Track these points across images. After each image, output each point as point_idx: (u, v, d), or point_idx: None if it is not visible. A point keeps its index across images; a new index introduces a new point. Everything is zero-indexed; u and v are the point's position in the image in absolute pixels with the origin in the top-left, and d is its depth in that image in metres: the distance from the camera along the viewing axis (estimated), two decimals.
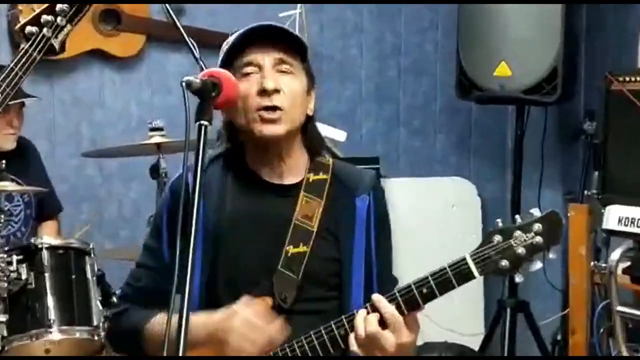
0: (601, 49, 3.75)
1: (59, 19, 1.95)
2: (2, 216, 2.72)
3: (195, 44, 2.74)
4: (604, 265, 2.71)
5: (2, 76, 1.94)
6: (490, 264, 1.63)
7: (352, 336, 1.64)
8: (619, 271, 2.67)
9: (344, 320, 1.68)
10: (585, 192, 3.06)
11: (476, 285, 3.92)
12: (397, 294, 1.64)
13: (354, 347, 1.65)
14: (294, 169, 1.87)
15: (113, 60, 3.69)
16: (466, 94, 3.62)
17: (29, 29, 1.95)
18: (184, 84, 1.51)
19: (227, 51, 1.79)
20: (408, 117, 4.25)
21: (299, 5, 3.52)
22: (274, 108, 1.75)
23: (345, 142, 3.25)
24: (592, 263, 2.85)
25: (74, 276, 2.77)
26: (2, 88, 1.94)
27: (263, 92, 1.74)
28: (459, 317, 3.85)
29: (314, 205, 1.84)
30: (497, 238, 1.63)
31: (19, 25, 1.98)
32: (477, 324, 4.04)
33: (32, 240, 2.80)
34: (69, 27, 1.97)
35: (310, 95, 1.85)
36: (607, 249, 2.79)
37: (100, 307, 2.76)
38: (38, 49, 1.96)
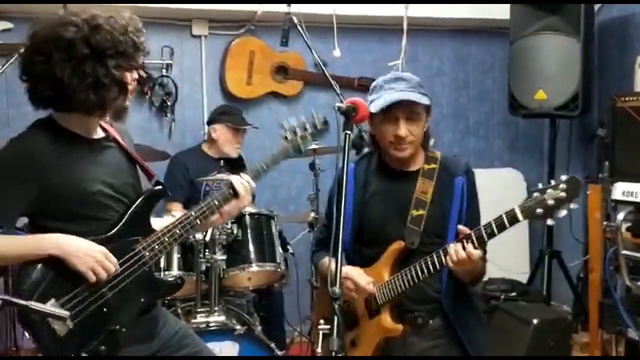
0: (608, 79, 4.10)
1: (308, 135, 2.15)
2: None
3: (337, 84, 3.30)
4: (612, 224, 2.98)
5: (275, 154, 2.13)
6: (529, 211, 1.70)
7: (448, 258, 1.79)
8: (624, 229, 2.91)
9: (440, 252, 1.84)
10: (599, 175, 3.29)
11: (523, 239, 4.49)
12: (473, 233, 1.77)
13: (450, 264, 1.78)
14: (414, 161, 2.05)
15: (283, 98, 4.22)
16: (515, 112, 4.00)
17: (287, 136, 2.13)
18: (336, 107, 1.67)
19: (380, 109, 1.91)
20: (475, 129, 4.72)
21: (400, 57, 4.02)
22: (402, 144, 1.97)
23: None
24: (604, 223, 3.14)
25: (265, 232, 3.10)
26: (269, 159, 2.13)
27: (397, 137, 1.94)
28: (512, 261, 4.14)
29: (428, 185, 1.98)
30: (535, 194, 1.71)
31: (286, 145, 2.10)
32: (524, 266, 4.48)
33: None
34: (311, 140, 2.18)
35: (428, 117, 2.00)
36: (614, 213, 3.01)
37: (281, 251, 3.13)
38: (293, 149, 2.16)
